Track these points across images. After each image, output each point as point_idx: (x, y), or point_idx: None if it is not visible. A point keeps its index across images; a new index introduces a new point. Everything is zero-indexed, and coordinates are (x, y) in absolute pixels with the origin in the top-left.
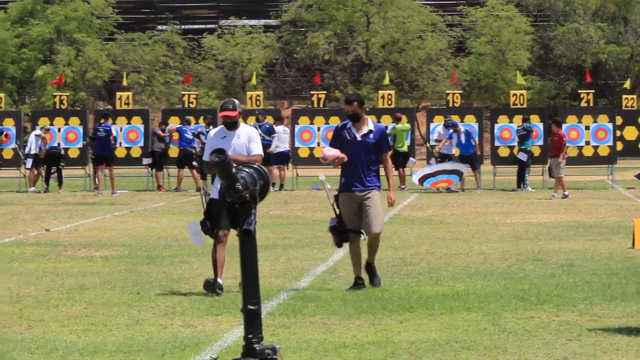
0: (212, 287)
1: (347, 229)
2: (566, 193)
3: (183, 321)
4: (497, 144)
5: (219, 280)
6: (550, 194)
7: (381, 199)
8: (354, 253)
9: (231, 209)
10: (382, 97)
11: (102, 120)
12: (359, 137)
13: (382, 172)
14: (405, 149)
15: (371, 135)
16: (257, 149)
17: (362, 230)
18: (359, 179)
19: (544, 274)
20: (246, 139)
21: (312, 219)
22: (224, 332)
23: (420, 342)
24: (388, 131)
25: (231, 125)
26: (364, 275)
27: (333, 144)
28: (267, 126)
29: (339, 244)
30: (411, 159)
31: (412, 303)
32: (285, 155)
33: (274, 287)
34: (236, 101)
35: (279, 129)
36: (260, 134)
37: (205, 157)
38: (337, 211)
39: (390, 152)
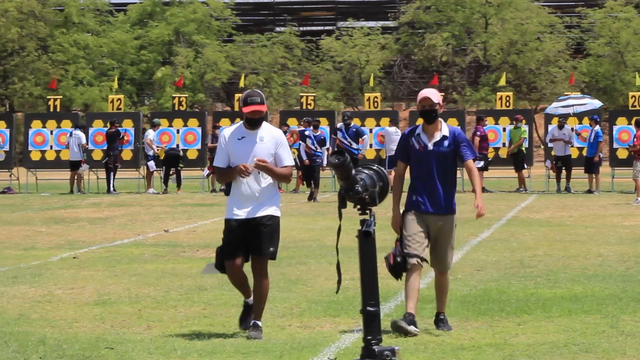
0: (248, 312)
1: (406, 253)
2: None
3: (301, 322)
4: (615, 145)
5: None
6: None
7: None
8: (412, 283)
9: (247, 231)
10: (500, 98)
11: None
12: (430, 146)
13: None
14: (523, 150)
15: (445, 143)
16: (289, 159)
17: (428, 260)
18: (431, 199)
19: None
20: (272, 144)
21: None
22: (342, 334)
23: (538, 345)
24: (507, 133)
25: (256, 123)
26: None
27: (399, 154)
28: (354, 129)
29: (395, 273)
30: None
31: (529, 305)
32: None
33: (391, 288)
34: (262, 93)
35: (391, 130)
36: (347, 140)
37: (217, 162)
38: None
39: (507, 154)
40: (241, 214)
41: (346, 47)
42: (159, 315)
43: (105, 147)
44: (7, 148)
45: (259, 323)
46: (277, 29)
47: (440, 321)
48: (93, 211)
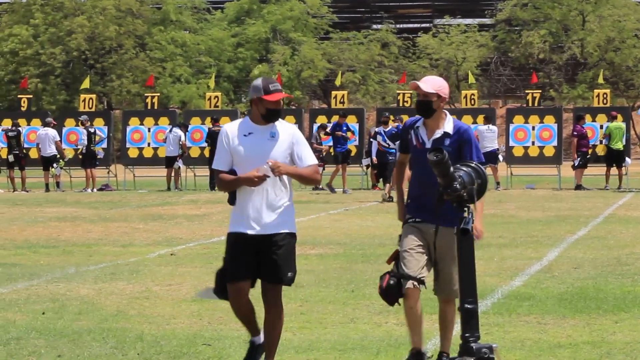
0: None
1: (401, 274)
2: None
3: (397, 319)
4: None
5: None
6: None
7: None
8: (411, 312)
9: (257, 251)
10: (598, 96)
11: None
12: (428, 144)
13: None
14: (620, 147)
15: (447, 141)
16: (311, 157)
17: (425, 283)
18: (429, 206)
19: None
20: (288, 142)
21: (526, 218)
22: (439, 331)
23: (635, 343)
24: (603, 130)
25: (277, 115)
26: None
27: (401, 146)
28: (394, 132)
29: (388, 299)
30: (627, 159)
31: (627, 303)
32: (493, 154)
33: (488, 286)
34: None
35: (482, 128)
36: (385, 141)
37: (216, 164)
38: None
39: (604, 151)
40: (252, 228)
41: (443, 44)
42: (256, 312)
43: (203, 145)
44: (105, 145)
45: None
46: (374, 26)
47: None
48: (190, 208)
